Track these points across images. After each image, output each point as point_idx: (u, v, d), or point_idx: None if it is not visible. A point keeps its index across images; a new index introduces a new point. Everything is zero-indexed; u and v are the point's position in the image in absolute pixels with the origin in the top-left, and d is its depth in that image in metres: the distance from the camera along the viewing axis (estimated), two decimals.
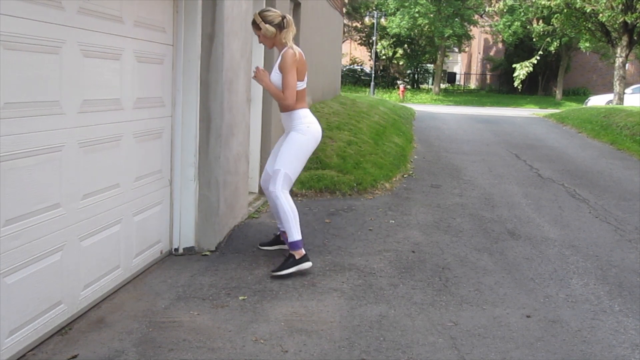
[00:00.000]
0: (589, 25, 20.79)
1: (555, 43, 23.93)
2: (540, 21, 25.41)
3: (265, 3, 5.52)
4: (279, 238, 4.19)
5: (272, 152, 4.09)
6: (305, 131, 3.80)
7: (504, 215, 5.46)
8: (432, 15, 29.20)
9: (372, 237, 4.60)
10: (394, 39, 33.88)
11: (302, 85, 3.80)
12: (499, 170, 7.89)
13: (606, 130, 12.33)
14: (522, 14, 27.10)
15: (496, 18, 30.62)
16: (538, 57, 21.39)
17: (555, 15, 20.89)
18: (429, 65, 38.02)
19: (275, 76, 3.76)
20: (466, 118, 17.10)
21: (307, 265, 3.74)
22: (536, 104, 28.81)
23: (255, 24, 3.80)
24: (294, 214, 3.76)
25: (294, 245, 3.74)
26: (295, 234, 3.74)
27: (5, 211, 2.41)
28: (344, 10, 17.08)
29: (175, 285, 3.49)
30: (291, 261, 3.72)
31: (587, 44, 24.78)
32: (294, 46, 3.74)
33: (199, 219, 4.11)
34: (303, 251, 3.77)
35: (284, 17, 3.76)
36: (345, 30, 31.44)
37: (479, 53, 42.29)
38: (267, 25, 3.72)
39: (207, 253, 4.09)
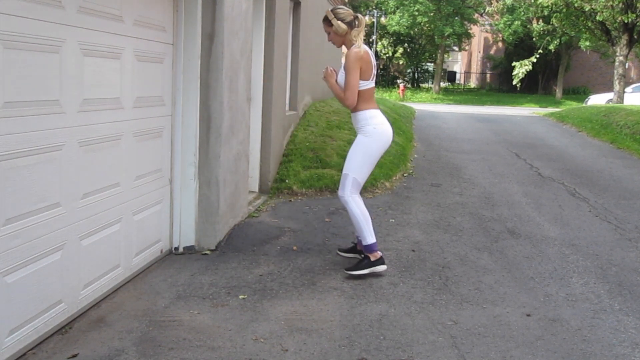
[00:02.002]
0: (589, 24, 20.77)
1: (555, 42, 23.92)
2: (540, 20, 25.40)
3: (265, 3, 5.52)
4: (356, 247, 4.02)
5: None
6: (372, 133, 3.68)
7: (504, 214, 5.46)
8: (432, 14, 29.19)
9: None
10: (394, 38, 33.85)
11: (367, 84, 3.69)
12: (499, 169, 7.89)
13: (606, 129, 12.33)
14: (523, 13, 27.08)
15: (496, 17, 30.60)
16: (537, 56, 21.39)
17: (555, 15, 20.88)
18: (429, 64, 37.99)
19: (342, 76, 3.69)
20: (466, 117, 17.10)
21: (381, 268, 3.70)
22: (536, 102, 28.79)
23: (326, 21, 3.71)
24: (365, 218, 3.70)
25: (369, 248, 3.70)
26: (368, 236, 3.69)
27: (6, 210, 2.41)
28: None
29: (176, 284, 3.49)
30: (366, 262, 3.68)
31: (587, 43, 24.75)
32: (362, 45, 3.66)
33: (199, 218, 4.11)
34: (379, 253, 3.72)
35: (356, 17, 3.70)
36: None
37: (479, 52, 42.26)
38: (339, 22, 3.64)
39: (207, 252, 4.09)
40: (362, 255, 3.78)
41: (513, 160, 8.80)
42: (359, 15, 3.73)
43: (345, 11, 3.71)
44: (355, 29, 3.68)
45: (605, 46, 24.79)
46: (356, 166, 3.70)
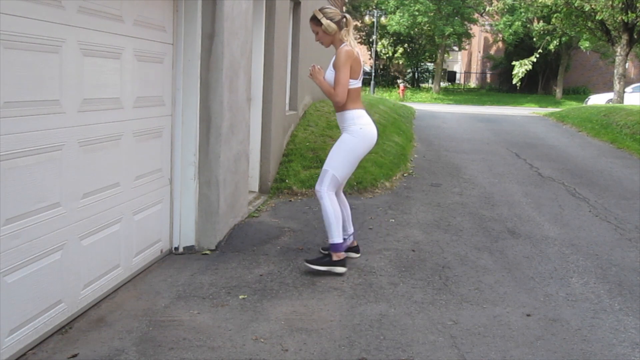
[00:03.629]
0: (589, 24, 20.77)
1: (555, 42, 23.91)
2: (540, 20, 25.39)
3: (265, 3, 5.52)
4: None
5: None
6: (357, 133, 3.70)
7: (504, 214, 5.46)
8: (432, 14, 29.22)
9: (372, 236, 4.60)
10: (394, 38, 33.86)
11: (356, 83, 3.72)
12: (499, 169, 7.89)
13: (606, 129, 12.33)
14: (523, 13, 27.07)
15: (496, 17, 30.60)
16: (537, 56, 21.38)
17: (555, 15, 20.88)
18: (429, 64, 38.00)
19: (330, 74, 3.71)
20: (466, 117, 17.09)
21: (339, 269, 3.72)
22: (536, 102, 28.80)
23: (314, 20, 3.72)
24: (337, 217, 3.72)
25: (335, 247, 3.73)
26: (336, 236, 3.73)
27: (6, 210, 2.41)
28: (344, 9, 17.06)
29: (176, 284, 3.50)
30: (327, 260, 3.74)
31: (587, 43, 24.74)
32: (353, 43, 3.69)
33: (199, 218, 4.11)
34: (343, 254, 3.76)
35: (344, 16, 3.74)
36: None
37: (479, 52, 42.28)
38: (328, 21, 3.66)
39: (207, 252, 4.09)
40: (327, 252, 3.83)
41: (513, 160, 8.80)
42: (347, 15, 3.76)
43: (334, 11, 3.73)
44: (345, 29, 3.71)
45: (605, 46, 24.80)
46: (338, 164, 3.71)
